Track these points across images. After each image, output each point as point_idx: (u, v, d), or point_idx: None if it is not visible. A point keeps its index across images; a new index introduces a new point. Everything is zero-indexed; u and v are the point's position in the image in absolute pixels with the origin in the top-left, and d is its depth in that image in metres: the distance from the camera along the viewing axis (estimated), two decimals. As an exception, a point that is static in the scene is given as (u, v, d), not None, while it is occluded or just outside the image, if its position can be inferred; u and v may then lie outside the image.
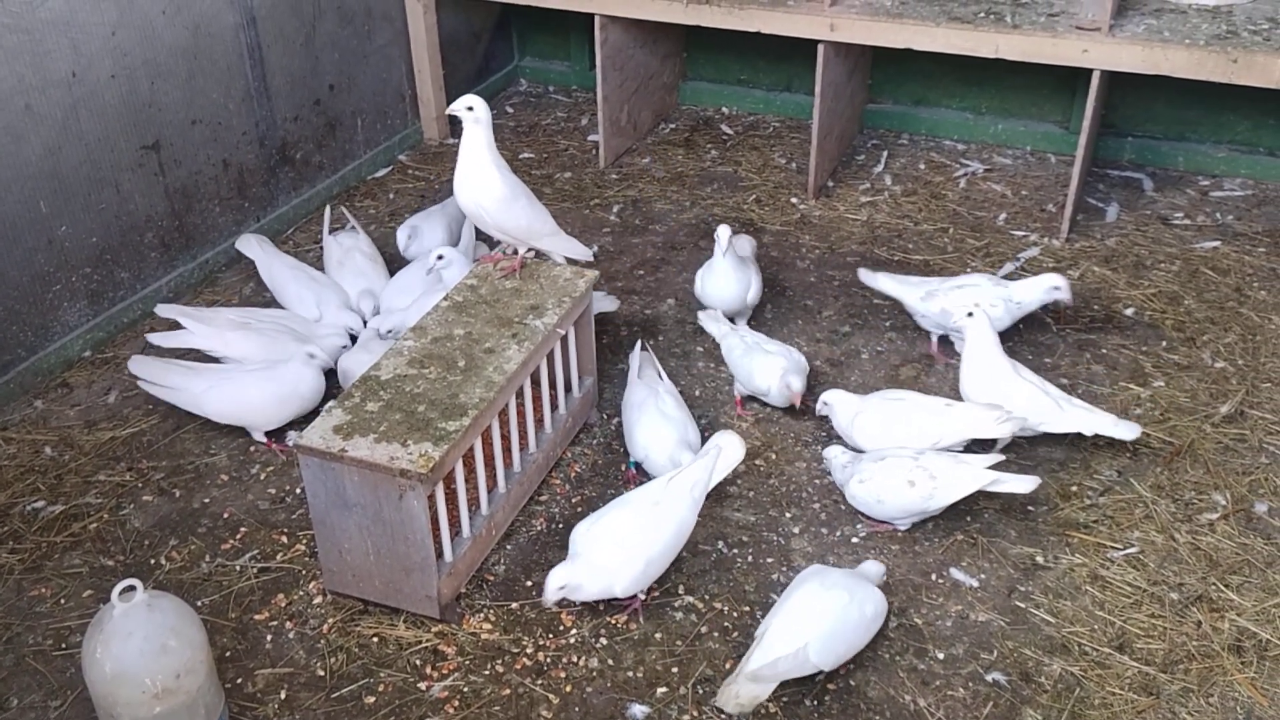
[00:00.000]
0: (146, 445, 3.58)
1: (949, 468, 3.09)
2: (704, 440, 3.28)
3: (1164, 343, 3.98)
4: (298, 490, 3.36)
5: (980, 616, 2.95)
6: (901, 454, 3.16)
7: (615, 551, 2.82)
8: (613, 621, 2.94)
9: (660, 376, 3.63)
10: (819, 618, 2.66)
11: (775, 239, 4.67)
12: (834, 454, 3.31)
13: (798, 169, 5.25)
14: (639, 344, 3.75)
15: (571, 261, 3.65)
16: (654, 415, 3.35)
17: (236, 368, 3.62)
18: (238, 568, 3.13)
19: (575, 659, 2.85)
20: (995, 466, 3.13)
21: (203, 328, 3.76)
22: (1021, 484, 3.12)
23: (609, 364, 3.91)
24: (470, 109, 3.26)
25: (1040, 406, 3.36)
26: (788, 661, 2.61)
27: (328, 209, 4.61)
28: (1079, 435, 3.53)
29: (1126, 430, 3.35)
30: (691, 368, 3.90)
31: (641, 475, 3.40)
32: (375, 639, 2.90)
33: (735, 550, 3.16)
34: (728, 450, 3.05)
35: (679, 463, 3.16)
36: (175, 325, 3.81)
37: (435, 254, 3.79)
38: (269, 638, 2.92)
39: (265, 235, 4.66)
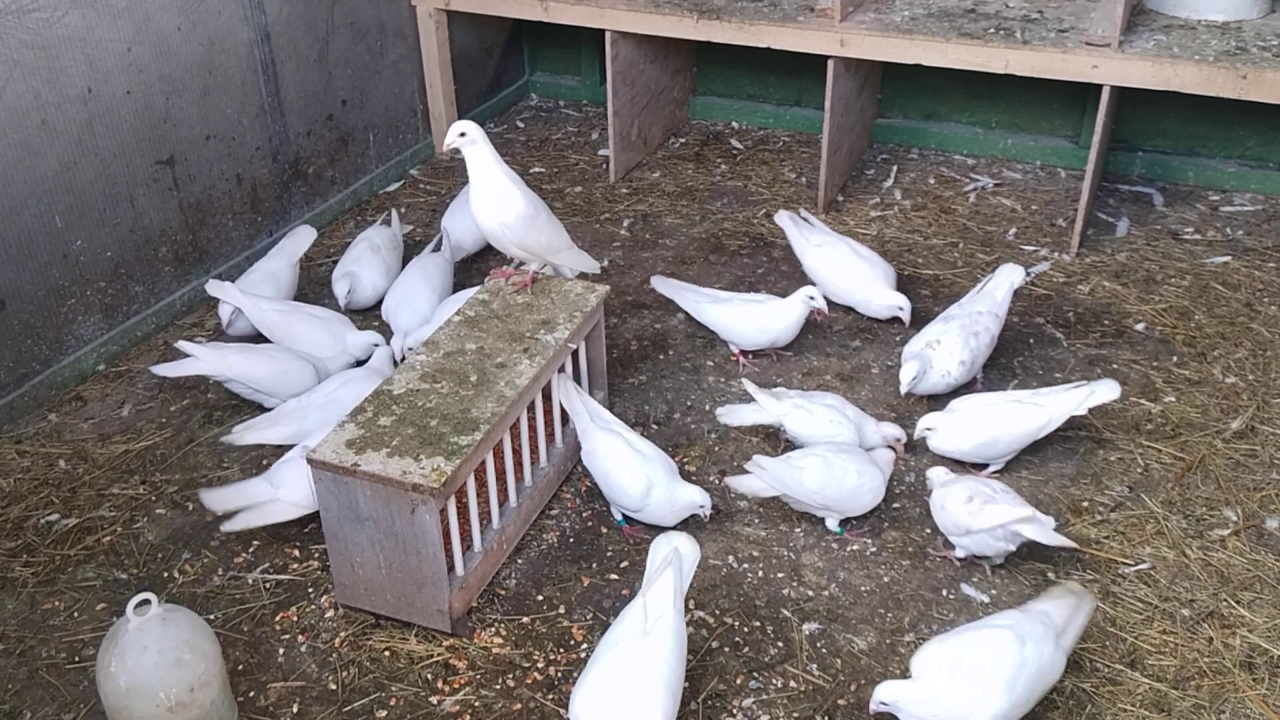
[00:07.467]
0: (160, 458, 3.60)
1: (1003, 498, 3.04)
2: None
3: (1175, 358, 3.98)
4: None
5: (991, 632, 2.94)
6: (991, 482, 3.14)
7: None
8: (623, 636, 2.94)
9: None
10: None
11: (785, 254, 4.68)
12: (936, 474, 3.22)
13: (808, 183, 5.26)
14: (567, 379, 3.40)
15: (582, 275, 3.67)
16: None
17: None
18: (250, 581, 3.14)
19: (586, 673, 2.85)
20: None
21: (209, 353, 3.66)
22: (1053, 538, 3.00)
23: (620, 378, 3.92)
24: (463, 134, 3.21)
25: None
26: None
27: (393, 212, 4.72)
28: (1090, 450, 3.53)
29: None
30: (702, 382, 3.91)
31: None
32: (387, 653, 2.91)
33: (745, 565, 3.17)
34: (686, 556, 2.74)
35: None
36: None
37: None
38: (281, 651, 2.93)
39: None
